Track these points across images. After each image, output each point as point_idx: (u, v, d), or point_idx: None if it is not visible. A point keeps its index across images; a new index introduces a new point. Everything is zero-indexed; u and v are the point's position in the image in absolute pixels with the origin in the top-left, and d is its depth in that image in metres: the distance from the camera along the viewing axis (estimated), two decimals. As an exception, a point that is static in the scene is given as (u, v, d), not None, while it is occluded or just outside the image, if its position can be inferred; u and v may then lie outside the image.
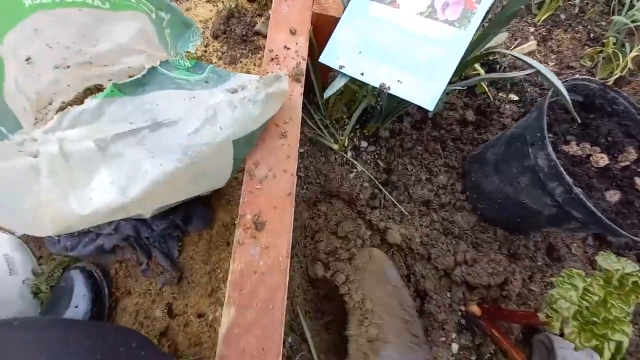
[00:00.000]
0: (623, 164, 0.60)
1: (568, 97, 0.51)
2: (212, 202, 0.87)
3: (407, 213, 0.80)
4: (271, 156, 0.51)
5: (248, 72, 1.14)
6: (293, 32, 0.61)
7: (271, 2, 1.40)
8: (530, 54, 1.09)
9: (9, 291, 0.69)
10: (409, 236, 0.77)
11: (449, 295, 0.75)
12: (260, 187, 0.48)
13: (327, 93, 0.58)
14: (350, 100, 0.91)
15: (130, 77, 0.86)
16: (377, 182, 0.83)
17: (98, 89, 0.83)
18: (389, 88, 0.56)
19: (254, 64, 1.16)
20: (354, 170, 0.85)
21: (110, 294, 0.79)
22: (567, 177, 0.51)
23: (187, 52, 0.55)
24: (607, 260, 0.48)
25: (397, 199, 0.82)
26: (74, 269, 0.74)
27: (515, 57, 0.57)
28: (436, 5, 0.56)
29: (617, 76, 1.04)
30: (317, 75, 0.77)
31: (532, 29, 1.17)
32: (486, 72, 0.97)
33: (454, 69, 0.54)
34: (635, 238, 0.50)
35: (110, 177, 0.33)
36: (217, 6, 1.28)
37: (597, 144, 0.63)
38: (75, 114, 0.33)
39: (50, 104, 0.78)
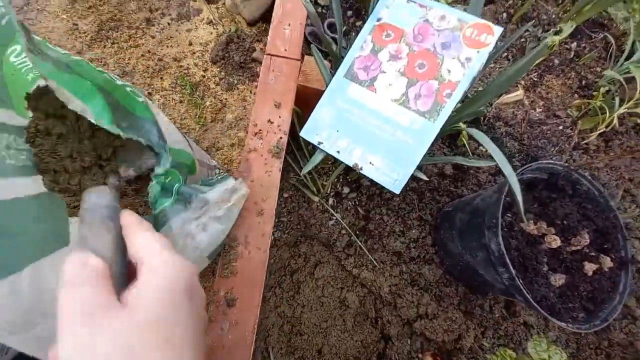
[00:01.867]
0: (574, 247, 0.66)
1: (520, 197, 0.55)
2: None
3: (378, 263, 0.86)
4: (247, 233, 0.56)
5: (244, 99, 1.18)
6: (277, 106, 0.65)
7: (269, 27, 1.41)
8: (516, 102, 1.12)
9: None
10: (378, 284, 0.84)
11: (409, 343, 0.82)
12: (235, 265, 0.54)
13: (305, 169, 0.62)
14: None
15: None
16: (352, 233, 0.89)
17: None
18: (361, 169, 0.61)
19: (251, 91, 1.20)
20: (334, 217, 0.90)
21: None
22: (512, 270, 0.57)
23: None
24: (536, 347, 0.54)
25: (372, 247, 0.88)
26: None
27: (483, 145, 0.61)
28: (410, 94, 0.60)
29: (600, 131, 1.07)
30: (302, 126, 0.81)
31: (523, 74, 1.18)
32: (469, 123, 1.00)
33: (421, 157, 0.58)
34: (567, 327, 0.56)
35: None
36: (217, 29, 1.29)
37: (553, 224, 0.68)
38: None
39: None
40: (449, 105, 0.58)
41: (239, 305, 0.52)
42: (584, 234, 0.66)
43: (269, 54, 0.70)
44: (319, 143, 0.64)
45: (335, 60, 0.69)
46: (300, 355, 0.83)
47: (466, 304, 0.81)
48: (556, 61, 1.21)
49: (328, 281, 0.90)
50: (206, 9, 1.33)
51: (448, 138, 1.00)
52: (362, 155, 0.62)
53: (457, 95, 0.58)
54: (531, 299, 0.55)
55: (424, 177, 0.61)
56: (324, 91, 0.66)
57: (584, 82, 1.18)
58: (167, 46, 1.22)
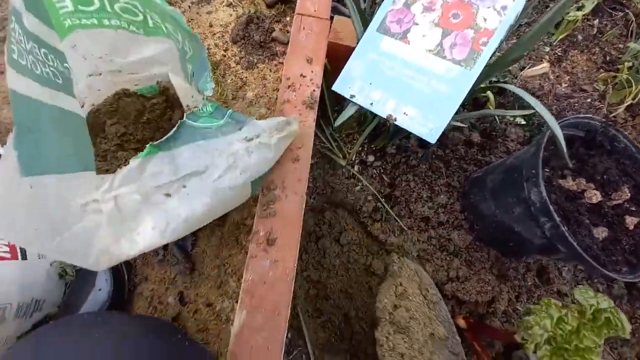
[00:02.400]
0: (615, 202, 0.64)
1: (562, 141, 0.54)
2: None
3: (406, 228, 0.85)
4: (284, 179, 0.57)
5: (264, 77, 1.20)
6: (309, 61, 0.66)
7: (289, 8, 1.43)
8: (542, 75, 1.10)
9: (37, 272, 0.77)
10: (406, 249, 0.83)
11: (439, 307, 0.81)
12: (273, 207, 0.55)
13: (338, 121, 0.63)
14: (360, 116, 0.95)
15: (157, 87, 0.92)
16: (379, 197, 0.88)
17: (125, 93, 0.90)
18: (395, 120, 0.61)
19: (270, 69, 1.21)
20: (359, 183, 0.90)
21: (130, 280, 0.87)
22: (556, 216, 0.55)
23: (209, 96, 0.61)
24: (583, 294, 0.52)
25: (398, 214, 0.87)
26: None
27: (520, 96, 0.60)
28: (445, 44, 0.60)
29: (628, 103, 1.04)
30: (330, 94, 0.82)
31: (547, 49, 1.17)
32: (496, 93, 0.99)
33: (457, 105, 0.58)
34: (613, 275, 0.55)
35: (153, 223, 0.40)
36: (236, 11, 1.32)
37: (592, 180, 0.66)
38: (125, 173, 0.40)
39: (82, 106, 0.85)
40: (486, 53, 0.58)
41: (279, 244, 0.53)
42: (624, 188, 0.64)
43: (299, 14, 0.71)
44: (352, 96, 0.64)
45: (362, 18, 0.70)
46: (327, 318, 0.83)
47: (499, 267, 0.79)
48: (580, 37, 1.19)
49: (353, 248, 0.90)
50: (227, -8, 1.36)
51: (474, 107, 0.99)
52: (396, 106, 0.62)
53: (494, 42, 0.58)
54: (577, 246, 0.54)
55: (462, 125, 0.61)
56: (354, 48, 0.67)
57: (607, 58, 1.16)
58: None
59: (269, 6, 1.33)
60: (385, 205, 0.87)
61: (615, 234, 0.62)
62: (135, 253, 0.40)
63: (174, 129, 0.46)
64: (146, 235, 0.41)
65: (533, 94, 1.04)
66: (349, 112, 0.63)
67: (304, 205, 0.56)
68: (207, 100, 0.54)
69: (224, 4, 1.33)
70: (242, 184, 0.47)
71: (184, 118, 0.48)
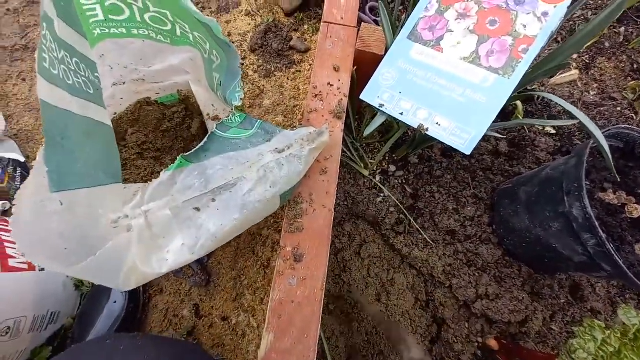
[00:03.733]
0: (660, 217, 0.60)
1: (609, 153, 0.51)
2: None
3: (431, 241, 0.82)
4: (312, 191, 0.54)
5: (281, 86, 1.19)
6: (337, 69, 0.64)
7: (307, 17, 1.43)
8: (571, 83, 1.06)
9: (53, 283, 0.76)
10: (431, 264, 0.80)
11: (467, 326, 0.77)
12: (301, 221, 0.52)
13: (367, 131, 0.60)
14: (383, 125, 0.93)
15: (177, 95, 0.91)
16: (403, 208, 0.85)
17: (147, 101, 0.90)
18: (427, 130, 0.58)
19: (287, 78, 1.20)
20: (381, 194, 0.87)
21: (145, 291, 0.86)
22: (601, 233, 0.52)
23: (237, 106, 0.60)
24: (627, 314, 0.49)
25: (422, 226, 0.84)
26: None
27: (557, 102, 0.57)
28: (481, 52, 0.57)
29: (662, 112, 1.00)
30: (353, 102, 0.80)
31: (575, 56, 1.13)
32: (523, 102, 0.96)
33: (495, 115, 0.55)
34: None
35: (183, 240, 0.38)
36: (255, 20, 1.32)
37: (633, 194, 0.62)
38: (154, 186, 0.38)
39: (103, 115, 0.85)
40: (526, 60, 0.55)
41: (306, 261, 0.50)
42: (671, 203, 0.60)
43: (326, 22, 0.69)
44: (380, 105, 0.62)
45: (392, 25, 0.68)
46: (349, 333, 0.79)
47: (532, 284, 0.75)
48: (607, 44, 1.16)
49: (374, 261, 0.86)
50: (245, 1, 1.37)
51: (500, 117, 0.95)
52: (428, 116, 0.59)
53: (535, 49, 0.55)
54: (622, 265, 0.50)
55: (500, 135, 0.58)
56: (382, 56, 0.65)
57: (635, 66, 1.12)
58: (209, 36, 1.26)
59: (288, 15, 1.33)
60: (409, 217, 0.83)
61: (662, 252, 0.58)
62: (165, 271, 0.38)
63: (205, 139, 0.45)
64: (175, 252, 0.39)
65: (561, 102, 1.00)
66: (378, 121, 0.61)
67: (332, 220, 0.54)
68: (236, 110, 0.53)
69: (242, 13, 1.33)
70: (272, 197, 0.45)
71: (214, 128, 0.47)
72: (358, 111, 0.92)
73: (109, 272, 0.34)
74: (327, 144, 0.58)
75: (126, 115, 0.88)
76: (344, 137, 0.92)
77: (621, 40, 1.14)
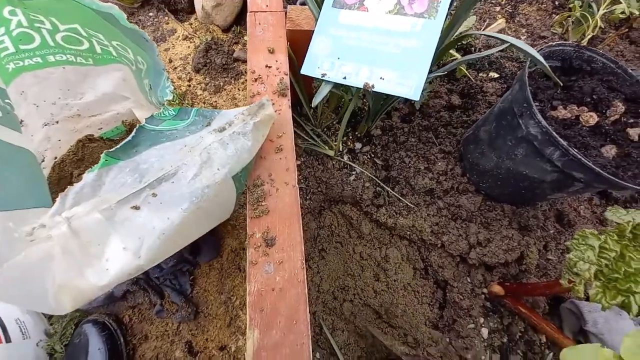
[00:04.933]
0: (613, 118, 0.61)
1: (545, 63, 0.52)
2: (218, 229, 0.87)
3: (412, 205, 0.80)
4: (271, 171, 0.51)
5: (233, 98, 1.17)
6: (271, 51, 0.63)
7: (244, 29, 1.44)
8: (500, 32, 1.12)
9: (23, 356, 0.67)
10: (419, 228, 0.77)
11: (469, 280, 0.75)
12: (265, 204, 0.49)
13: (315, 101, 0.59)
14: (337, 106, 0.92)
15: (123, 126, 0.86)
16: (377, 180, 0.83)
17: (89, 139, 0.84)
18: (373, 86, 0.58)
19: (238, 89, 1.19)
20: (353, 172, 0.85)
21: (127, 342, 0.76)
22: (561, 141, 0.52)
23: (167, 100, 0.57)
24: (616, 214, 0.48)
25: (401, 193, 0.82)
26: (86, 322, 0.72)
27: (488, 35, 0.59)
28: (403, 2, 0.58)
29: (589, 37, 1.06)
30: (301, 88, 0.79)
31: (497, 9, 1.20)
32: (462, 56, 0.99)
33: (431, 57, 0.55)
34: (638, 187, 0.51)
35: (122, 243, 0.34)
36: (193, 42, 1.32)
37: (583, 103, 0.64)
38: (77, 190, 0.34)
39: (42, 160, 0.78)
40: (445, 0, 0.56)
41: (279, 243, 0.46)
42: (616, 102, 0.62)
43: (252, 11, 0.69)
44: (323, 75, 0.61)
45: (316, 1, 0.68)
46: (353, 322, 0.75)
47: (518, 219, 0.74)
48: (525, -9, 1.24)
49: (363, 242, 0.83)
50: (180, 28, 1.36)
51: (445, 75, 0.98)
52: (371, 73, 0.59)
53: (450, -13, 0.56)
54: (593, 165, 0.50)
55: (441, 74, 0.58)
56: (313, 31, 0.65)
57: (557, 3, 1.20)
58: (148, 66, 1.24)
59: (225, 31, 1.34)
60: (385, 187, 0.82)
61: (622, 148, 0.59)
62: (108, 284, 0.33)
63: (132, 134, 0.41)
64: (117, 259, 0.34)
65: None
66: (324, 90, 0.60)
67: (298, 195, 0.50)
68: (168, 105, 0.49)
69: (179, 38, 1.32)
70: (222, 181, 0.41)
71: (144, 122, 0.43)
72: (311, 98, 0.92)
73: (30, 292, 0.28)
74: (277, 121, 0.55)
75: (68, 157, 0.82)
76: (302, 126, 0.91)
77: (537, -16, 1.23)
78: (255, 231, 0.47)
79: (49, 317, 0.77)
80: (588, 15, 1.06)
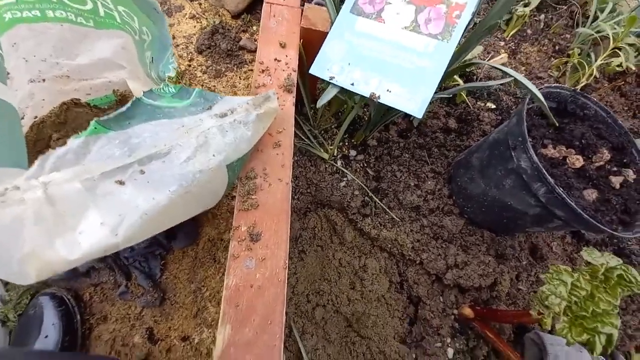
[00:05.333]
0: (598, 164, 0.65)
1: (544, 101, 0.54)
2: (197, 216, 0.85)
3: (397, 219, 0.81)
4: (265, 165, 0.50)
5: (234, 85, 1.14)
6: (283, 46, 0.62)
7: (255, 18, 1.42)
8: (502, 65, 1.16)
9: None
10: (400, 242, 0.78)
11: (441, 300, 0.76)
12: (255, 197, 0.47)
13: (320, 103, 0.58)
14: (337, 110, 0.92)
15: (113, 96, 0.83)
16: (367, 190, 0.84)
17: (75, 103, 0.80)
18: (378, 97, 0.58)
19: (240, 77, 1.17)
20: (344, 179, 0.85)
21: (84, 321, 0.72)
22: (549, 178, 0.54)
23: (169, 77, 0.55)
24: (591, 255, 0.50)
25: (388, 206, 0.83)
26: (43, 295, 0.69)
27: (495, 67, 0.61)
28: (419, 20, 0.59)
29: (583, 84, 1.12)
30: (306, 88, 0.78)
31: (502, 44, 1.25)
32: (464, 82, 1.02)
33: (440, 77, 0.56)
34: (616, 233, 0.53)
35: (101, 218, 0.32)
36: (200, 22, 1.28)
37: (572, 146, 0.67)
38: (59, 154, 0.32)
39: (22, 118, 0.74)
40: (461, 25, 0.57)
41: (265, 239, 0.45)
42: (603, 150, 0.65)
43: (268, 2, 0.68)
44: (331, 78, 0.61)
45: (335, 2, 0.68)
46: (323, 328, 0.74)
47: (495, 247, 0.77)
48: (529, 31, 1.30)
49: (344, 249, 0.83)
50: (188, 5, 1.32)
51: (446, 99, 1.00)
52: (379, 84, 0.59)
53: (467, 15, 0.58)
54: (575, 206, 0.52)
55: (445, 95, 0.59)
56: (327, 33, 0.64)
57: (557, 47, 1.26)
58: (149, 41, 1.20)
59: (234, 17, 1.31)
60: (374, 197, 0.82)
61: (603, 194, 0.62)
62: (78, 258, 0.31)
63: (127, 105, 0.39)
64: (92, 234, 0.32)
65: (498, 81, 1.09)
66: (329, 93, 0.60)
67: (290, 194, 0.50)
68: (169, 81, 0.47)
69: (186, 16, 1.29)
70: (216, 168, 0.40)
71: (141, 95, 0.41)
72: (313, 99, 0.91)
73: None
74: (279, 116, 0.54)
75: (49, 118, 0.77)
76: (300, 125, 0.90)
77: (542, 26, 1.29)
78: (242, 224, 0.46)
79: (5, 284, 0.72)
80: (585, 64, 1.12)
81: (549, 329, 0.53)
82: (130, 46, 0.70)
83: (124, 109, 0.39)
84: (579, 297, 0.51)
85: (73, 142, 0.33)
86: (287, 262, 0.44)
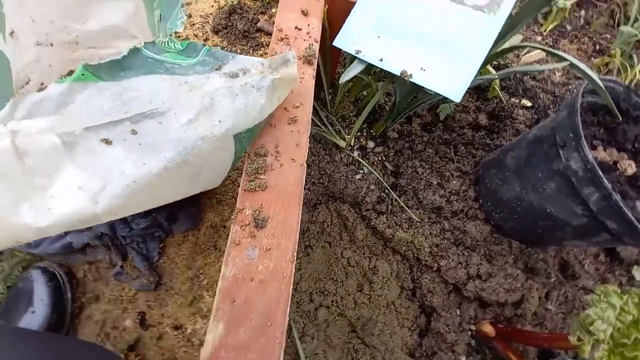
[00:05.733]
0: (653, 173, 0.56)
1: (605, 90, 0.46)
2: (200, 200, 0.79)
3: (416, 219, 0.73)
4: (278, 143, 0.44)
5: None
6: (305, 13, 0.56)
7: (274, 1, 1.35)
8: (539, 61, 1.07)
9: None
10: (417, 245, 0.71)
11: (458, 313, 0.68)
12: (264, 177, 0.41)
13: (343, 78, 0.51)
14: (357, 97, 0.85)
15: None
16: (385, 185, 0.77)
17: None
18: (410, 76, 0.51)
19: (255, 59, 1.11)
20: (360, 171, 0.78)
21: (75, 299, 0.70)
22: (607, 183, 0.46)
23: (177, 32, 0.49)
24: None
25: (406, 204, 0.75)
26: (34, 268, 0.66)
27: (545, 51, 0.53)
28: (464, -10, 0.52)
29: (626, 89, 1.03)
30: (326, 68, 0.72)
31: (539, 38, 1.15)
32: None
33: (484, 56, 0.49)
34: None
35: (79, 181, 0.25)
36: (218, 2, 1.24)
37: (624, 149, 0.59)
38: (35, 100, 0.26)
39: (27, 83, 0.69)
40: (511, -2, 0.50)
41: (271, 226, 0.39)
42: (662, 158, 0.57)
43: (291, -33, 0.61)
44: (357, 52, 0.54)
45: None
46: (325, 331, 0.67)
47: (525, 260, 0.69)
48: (568, 27, 1.20)
49: (354, 248, 0.76)
50: (208, -18, 1.27)
51: (476, 92, 0.92)
52: (412, 60, 0.52)
53: (519, -13, 0.50)
54: (632, 217, 0.44)
55: (491, 78, 0.51)
56: (354, 2, 0.57)
57: (597, 47, 1.17)
58: (166, 20, 1.15)
59: (254, -2, 1.25)
60: (392, 193, 0.75)
61: (660, 208, 0.53)
62: (47, 227, 0.25)
63: (123, 53, 0.33)
64: (66, 199, 0.26)
65: (533, 78, 1.00)
66: (355, 69, 0.53)
67: (304, 177, 0.43)
68: (176, 37, 0.41)
69: (204, -6, 1.24)
70: (222, 136, 0.34)
71: (141, 45, 0.35)
72: (332, 84, 0.84)
73: None
74: (297, 89, 0.48)
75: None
76: (317, 110, 0.83)
77: (582, 23, 1.19)
78: (246, 206, 0.39)
79: (-1, 254, 0.70)
80: (628, 65, 1.02)
81: (586, 357, 0.45)
82: (141, 10, 0.64)
83: (118, 56, 0.33)
84: (624, 322, 0.44)
85: (55, 87, 0.27)
86: (295, 255, 0.38)
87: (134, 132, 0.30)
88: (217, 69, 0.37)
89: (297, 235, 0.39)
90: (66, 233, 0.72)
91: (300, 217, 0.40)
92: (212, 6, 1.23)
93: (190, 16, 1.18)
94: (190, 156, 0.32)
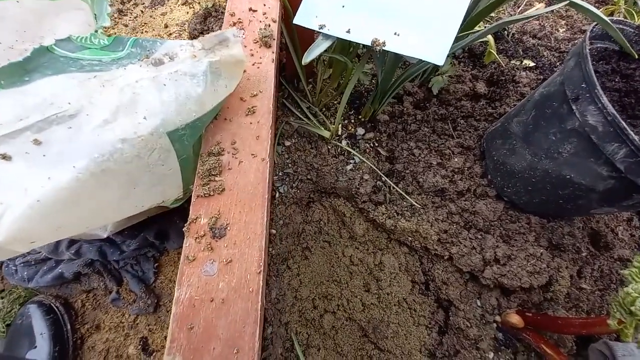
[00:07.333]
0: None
1: (617, 30, 0.38)
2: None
3: (418, 206, 0.66)
4: (235, 138, 0.38)
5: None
6: (259, -8, 0.50)
7: None
8: (539, 17, 0.97)
9: None
10: (423, 234, 0.64)
11: (479, 304, 0.61)
12: (220, 179, 0.35)
13: (306, 58, 0.45)
14: (339, 82, 0.79)
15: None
16: (379, 173, 0.70)
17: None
18: (384, 44, 0.44)
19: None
20: (351, 161, 0.72)
21: (75, 330, 0.68)
22: (632, 134, 0.38)
23: (104, 27, 0.45)
24: None
25: (405, 191, 0.68)
26: (31, 303, 0.66)
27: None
28: None
29: None
30: (297, 50, 0.66)
31: (536, -6, 1.05)
32: (495, 41, 0.85)
33: (464, 9, 0.42)
34: None
35: None
36: (193, 8, 1.21)
37: (648, 98, 0.50)
38: None
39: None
40: None
41: (232, 235, 0.33)
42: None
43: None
44: (321, 27, 0.47)
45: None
46: (333, 339, 0.61)
47: (548, 235, 0.60)
48: (567, -21, 1.09)
49: (356, 246, 0.70)
50: (179, -10, 1.24)
51: (470, 59, 0.84)
52: (383, 27, 0.45)
53: None
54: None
55: (484, 30, 0.44)
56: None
57: (602, -5, 1.05)
58: (142, 32, 1.13)
59: (226, -3, 1.21)
60: (388, 181, 0.68)
61: None
62: None
63: (27, 53, 0.28)
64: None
65: (534, 36, 0.90)
66: (319, 47, 0.46)
67: (269, 173, 0.37)
68: (101, 33, 0.36)
69: (179, 3, 1.21)
70: (150, 136, 0.28)
71: (52, 43, 0.30)
72: (311, 74, 0.78)
73: None
74: (254, 76, 0.42)
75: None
76: (298, 102, 0.77)
77: (580, -28, 1.08)
78: (201, 215, 0.34)
79: (0, 291, 0.69)
80: (634, 12, 0.91)
81: (630, 341, 0.38)
82: (91, 18, 0.61)
83: (20, 58, 0.28)
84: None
85: None
86: (263, 264, 0.32)
87: (37, 142, 0.25)
88: (146, 57, 0.32)
89: (263, 240, 0.33)
90: (56, 263, 0.70)
91: (266, 218, 0.34)
92: (187, 13, 1.20)
93: (166, 26, 1.15)
94: (111, 163, 0.26)
